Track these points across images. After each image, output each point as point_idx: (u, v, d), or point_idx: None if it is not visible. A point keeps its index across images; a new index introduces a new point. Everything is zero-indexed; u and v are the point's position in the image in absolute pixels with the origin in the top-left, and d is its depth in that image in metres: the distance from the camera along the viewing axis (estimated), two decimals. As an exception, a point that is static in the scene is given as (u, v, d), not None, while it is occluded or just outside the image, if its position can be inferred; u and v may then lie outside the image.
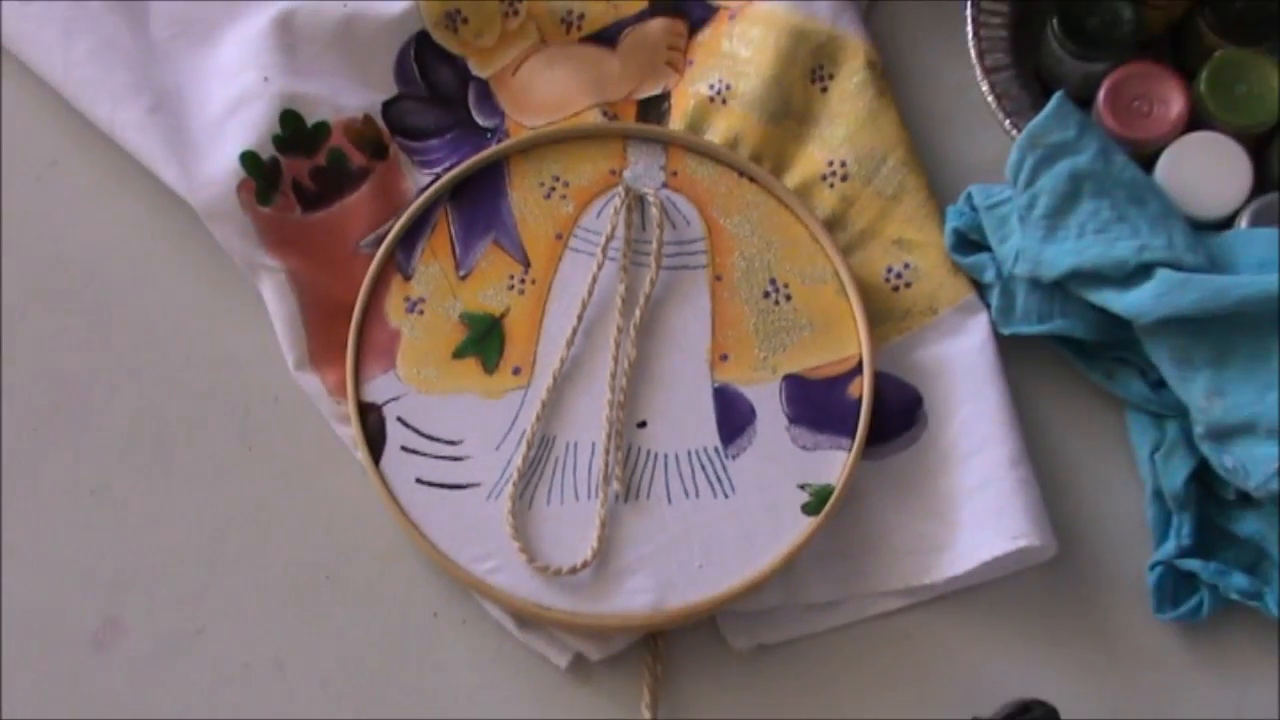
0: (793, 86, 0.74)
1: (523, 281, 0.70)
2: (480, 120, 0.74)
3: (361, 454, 0.68)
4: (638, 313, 0.69)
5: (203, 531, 0.69)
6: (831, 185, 0.72)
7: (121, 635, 0.68)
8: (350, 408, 0.68)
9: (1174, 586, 0.68)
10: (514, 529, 0.66)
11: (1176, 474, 0.68)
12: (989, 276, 0.70)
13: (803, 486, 0.67)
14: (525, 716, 0.67)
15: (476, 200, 0.71)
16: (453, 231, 0.71)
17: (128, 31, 0.73)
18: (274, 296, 0.70)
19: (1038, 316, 0.70)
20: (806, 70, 0.74)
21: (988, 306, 0.71)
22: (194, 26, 0.74)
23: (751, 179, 0.72)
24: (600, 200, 0.71)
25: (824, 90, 0.74)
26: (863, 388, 0.68)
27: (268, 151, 0.70)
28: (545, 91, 0.75)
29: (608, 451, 0.67)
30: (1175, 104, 0.73)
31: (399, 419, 0.68)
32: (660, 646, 0.67)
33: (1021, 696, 0.64)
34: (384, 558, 0.68)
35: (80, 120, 0.73)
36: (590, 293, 0.69)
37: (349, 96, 0.73)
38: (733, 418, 0.68)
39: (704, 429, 0.68)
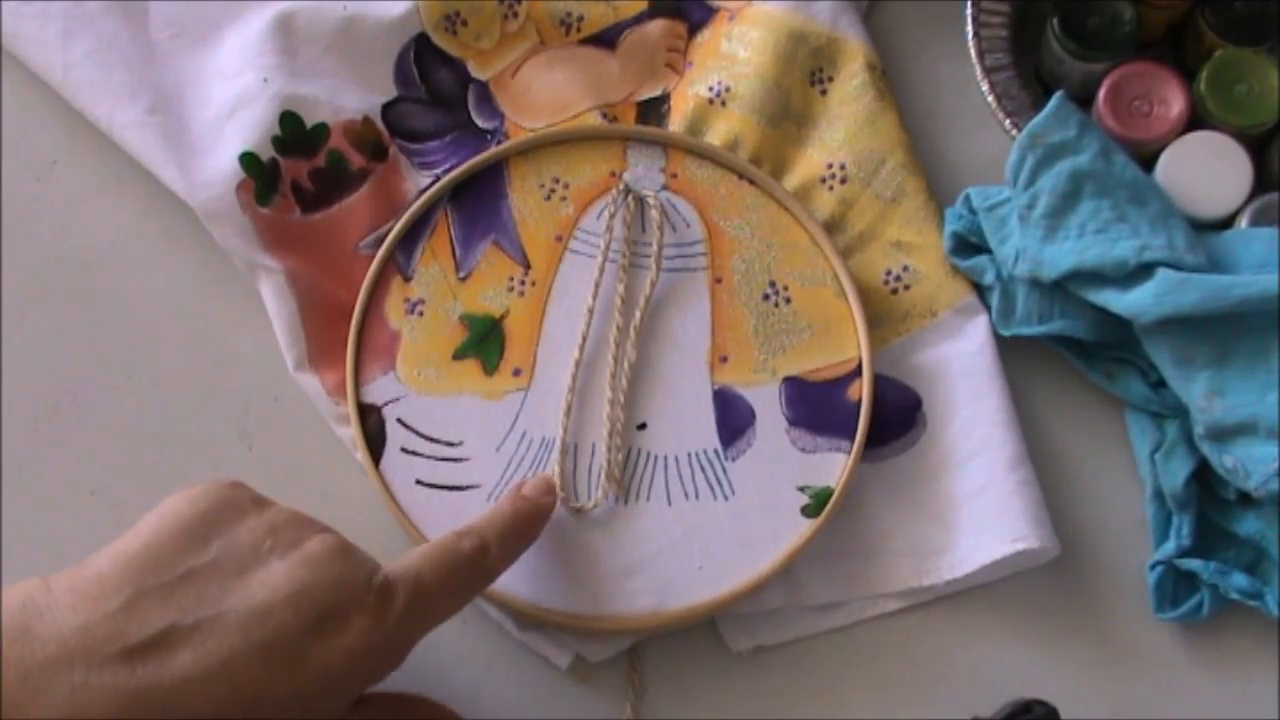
0: (792, 89, 0.74)
1: (523, 283, 0.70)
2: (480, 122, 0.74)
3: (361, 455, 0.68)
4: (638, 315, 0.69)
5: (203, 532, 0.69)
6: (830, 188, 0.72)
7: (122, 635, 0.68)
8: (350, 409, 0.68)
9: (1174, 586, 0.68)
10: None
11: (1176, 474, 0.68)
12: (989, 278, 0.70)
13: (802, 489, 0.67)
14: (525, 717, 0.67)
15: (476, 202, 0.71)
16: (453, 233, 0.71)
17: (127, 32, 0.73)
18: (273, 297, 0.70)
19: (1038, 317, 0.70)
20: (805, 73, 0.74)
21: (987, 308, 0.71)
22: (193, 27, 0.74)
23: (751, 182, 0.72)
24: (600, 202, 0.71)
25: (823, 93, 0.74)
26: (862, 390, 0.68)
27: (267, 153, 0.70)
28: (545, 93, 0.74)
29: (608, 453, 0.67)
30: (1175, 104, 0.72)
31: (399, 420, 0.68)
32: (639, 657, 0.67)
33: (1021, 696, 0.64)
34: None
35: (80, 120, 0.73)
36: (594, 296, 0.69)
37: (348, 98, 0.72)
38: (733, 420, 0.68)
39: (704, 431, 0.68)
